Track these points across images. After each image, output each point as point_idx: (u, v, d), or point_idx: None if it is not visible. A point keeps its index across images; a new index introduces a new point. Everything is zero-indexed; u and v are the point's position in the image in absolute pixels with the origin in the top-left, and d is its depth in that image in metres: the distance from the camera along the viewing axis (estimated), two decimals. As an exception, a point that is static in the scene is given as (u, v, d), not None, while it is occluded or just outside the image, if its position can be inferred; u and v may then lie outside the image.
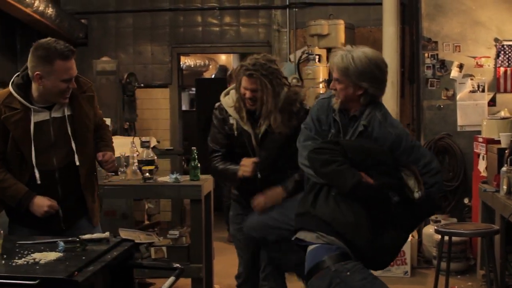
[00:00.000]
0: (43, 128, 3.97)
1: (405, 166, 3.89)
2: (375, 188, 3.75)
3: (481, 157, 7.20)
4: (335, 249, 3.69)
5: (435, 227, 6.04)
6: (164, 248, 6.04)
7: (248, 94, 4.48)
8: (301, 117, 4.44)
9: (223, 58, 15.46)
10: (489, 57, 8.12)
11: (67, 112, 4.03)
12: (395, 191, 3.81)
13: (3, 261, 3.09)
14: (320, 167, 3.81)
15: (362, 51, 3.95)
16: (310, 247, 3.78)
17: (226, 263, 7.16)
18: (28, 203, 3.95)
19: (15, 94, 3.92)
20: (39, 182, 3.97)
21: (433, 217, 7.70)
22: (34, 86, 3.92)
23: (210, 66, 14.74)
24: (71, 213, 4.13)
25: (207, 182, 6.00)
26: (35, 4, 7.95)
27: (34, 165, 3.95)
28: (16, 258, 3.12)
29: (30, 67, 3.88)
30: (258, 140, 4.56)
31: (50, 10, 8.36)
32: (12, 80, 4.00)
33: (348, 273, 3.61)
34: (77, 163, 4.06)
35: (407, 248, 7.20)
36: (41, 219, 3.97)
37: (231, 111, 4.62)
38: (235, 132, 4.57)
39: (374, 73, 3.92)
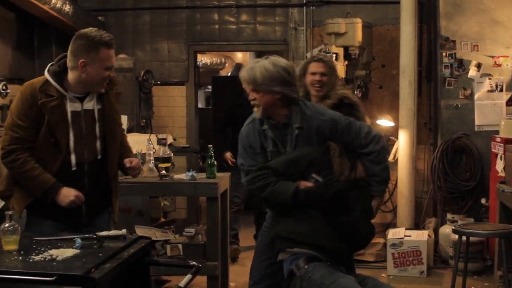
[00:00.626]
0: (76, 119, 4.02)
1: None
2: (314, 189, 3.96)
3: (499, 157, 7.15)
4: (301, 257, 3.90)
5: (453, 227, 6.01)
6: (180, 246, 6.04)
7: (317, 77, 4.97)
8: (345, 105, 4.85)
9: (239, 56, 15.46)
10: (507, 56, 8.05)
11: (97, 106, 4.10)
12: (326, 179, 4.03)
13: (21, 257, 3.10)
14: (260, 193, 4.07)
15: (268, 60, 4.25)
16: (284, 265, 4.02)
17: (241, 261, 7.17)
18: (56, 193, 3.96)
19: (52, 81, 3.97)
20: (74, 168, 4.01)
21: (449, 217, 7.68)
22: (71, 75, 3.98)
23: (227, 64, 14.75)
24: (94, 208, 4.15)
25: (223, 180, 5.99)
26: (53, 1, 7.97)
27: (72, 150, 3.99)
28: (33, 254, 3.12)
29: (73, 55, 3.94)
30: None
31: (67, 7, 8.38)
32: (47, 68, 4.04)
33: (310, 274, 3.81)
34: (107, 156, 4.14)
35: (423, 247, 7.18)
36: (63, 212, 3.98)
37: None
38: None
39: (283, 76, 4.19)
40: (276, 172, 4.05)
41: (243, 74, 4.26)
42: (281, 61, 4.29)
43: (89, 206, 4.10)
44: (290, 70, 4.26)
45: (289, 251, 3.97)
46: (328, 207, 3.96)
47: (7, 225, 3.23)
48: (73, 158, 4.01)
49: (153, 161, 5.87)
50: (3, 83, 7.00)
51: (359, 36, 8.15)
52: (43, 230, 3.94)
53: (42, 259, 3.05)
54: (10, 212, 3.28)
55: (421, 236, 7.36)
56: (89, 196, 4.07)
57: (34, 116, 3.92)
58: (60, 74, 4.00)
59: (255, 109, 4.30)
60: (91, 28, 4.00)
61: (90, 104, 4.08)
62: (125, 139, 4.51)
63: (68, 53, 3.97)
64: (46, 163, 3.98)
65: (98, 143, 4.11)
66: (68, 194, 3.97)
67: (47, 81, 3.98)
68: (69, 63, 3.97)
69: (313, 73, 5.01)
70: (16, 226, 3.23)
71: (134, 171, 4.31)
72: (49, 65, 4.06)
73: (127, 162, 4.26)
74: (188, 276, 3.33)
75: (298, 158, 4.11)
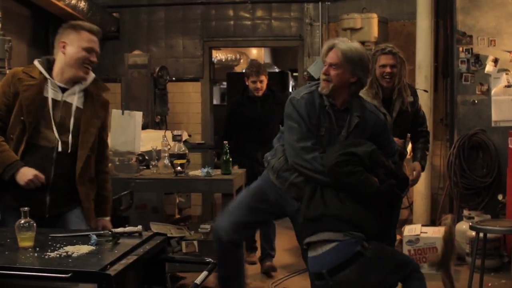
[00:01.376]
0: (54, 106, 4.03)
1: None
2: (382, 190, 4.15)
3: (516, 153, 7.10)
4: (358, 240, 4.03)
5: (470, 224, 5.97)
6: (195, 242, 6.05)
7: (388, 69, 5.18)
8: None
9: (254, 53, 15.44)
10: (524, 51, 7.99)
11: (77, 103, 4.10)
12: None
13: (36, 254, 3.09)
14: (346, 178, 4.11)
15: (357, 44, 4.39)
16: (330, 246, 4.04)
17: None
18: (16, 170, 3.91)
19: (38, 65, 4.07)
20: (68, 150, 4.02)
21: (466, 214, 7.63)
22: (57, 60, 4.07)
23: (241, 61, 14.74)
24: (59, 202, 4.08)
25: (238, 176, 5.98)
26: (68, -2, 7.99)
27: (44, 135, 3.98)
28: (49, 251, 3.12)
29: (56, 39, 4.08)
30: (392, 119, 5.24)
31: (82, 4, 8.39)
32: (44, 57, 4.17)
33: (379, 252, 4.06)
34: (77, 154, 4.08)
35: (439, 244, 7.12)
36: (26, 198, 3.85)
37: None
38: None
39: (368, 65, 4.31)
40: (362, 162, 4.14)
41: (343, 46, 4.24)
42: (364, 49, 4.43)
43: (54, 198, 4.04)
44: (369, 61, 4.40)
45: (351, 233, 4.03)
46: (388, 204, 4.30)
47: (22, 221, 3.22)
48: (42, 141, 4.00)
49: (168, 157, 5.87)
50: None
51: (375, 31, 8.13)
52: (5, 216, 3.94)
53: (58, 255, 3.05)
54: (26, 208, 3.26)
55: (438, 232, 7.30)
56: (55, 187, 4.03)
57: (9, 95, 3.98)
58: (50, 63, 4.10)
59: (322, 84, 4.28)
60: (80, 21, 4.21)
61: (71, 99, 4.09)
62: (106, 159, 4.44)
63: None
64: (15, 144, 3.98)
65: (70, 137, 4.06)
66: (27, 173, 3.90)
67: (33, 64, 4.09)
68: (55, 47, 4.10)
69: (383, 66, 5.21)
70: (31, 222, 3.23)
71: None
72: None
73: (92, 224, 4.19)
74: (204, 273, 3.31)
75: (375, 153, 4.22)
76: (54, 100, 4.03)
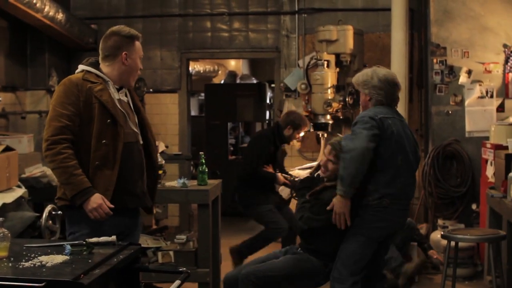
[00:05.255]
0: (119, 104, 4.18)
1: None
2: None
3: (489, 163, 7.19)
4: None
5: (442, 233, 6.04)
6: (171, 253, 6.07)
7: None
8: None
9: (232, 64, 15.48)
10: (497, 63, 8.11)
11: (128, 99, 4.29)
12: None
13: (10, 264, 3.12)
14: None
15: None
16: None
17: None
18: (89, 196, 3.96)
19: (92, 69, 4.17)
20: (141, 142, 4.24)
21: (441, 223, 7.71)
22: (107, 68, 4.20)
23: (219, 72, 14.77)
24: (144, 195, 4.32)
25: (214, 187, 6.03)
26: (46, 9, 8.00)
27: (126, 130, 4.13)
28: (23, 260, 3.14)
29: (114, 49, 4.19)
30: None
31: (60, 15, 8.41)
32: (81, 64, 4.23)
33: None
34: (147, 141, 4.33)
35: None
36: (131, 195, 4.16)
37: None
38: None
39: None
40: None
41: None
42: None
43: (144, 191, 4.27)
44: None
45: None
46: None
47: (-4, 232, 3.24)
48: (129, 138, 4.15)
49: (145, 168, 5.89)
50: (-5, 91, 7.05)
51: (350, 43, 8.22)
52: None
53: (32, 265, 3.07)
54: (1, 219, 3.29)
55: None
56: (142, 179, 4.24)
57: (79, 105, 4.02)
58: (96, 67, 4.19)
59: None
60: (119, 26, 4.31)
61: (123, 96, 4.25)
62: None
63: (104, 50, 4.22)
64: (113, 147, 4.05)
65: (136, 129, 4.25)
66: (94, 201, 3.96)
67: (87, 71, 4.16)
68: (106, 59, 4.20)
69: None
70: (6, 232, 3.24)
71: None
72: (80, 64, 4.24)
73: None
74: (177, 282, 3.35)
75: None
76: (117, 99, 4.17)
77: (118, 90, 4.21)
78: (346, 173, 4.62)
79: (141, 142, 4.26)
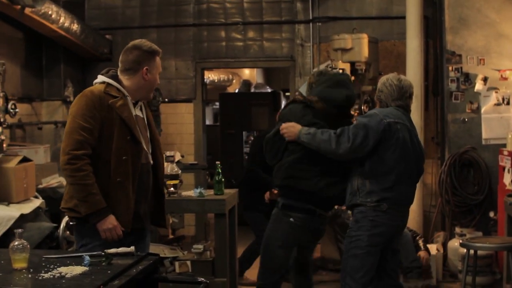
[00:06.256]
0: (136, 120, 4.17)
1: None
2: None
3: (506, 170, 7.16)
4: None
5: (460, 241, 6.01)
6: (188, 262, 6.07)
7: None
8: None
9: (246, 73, 15.50)
10: (513, 69, 8.08)
11: (143, 115, 4.27)
12: None
13: (30, 275, 3.11)
14: None
15: None
16: None
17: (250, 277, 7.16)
18: (105, 216, 3.98)
19: (114, 83, 4.13)
20: (152, 163, 4.22)
21: (458, 231, 7.67)
22: (127, 82, 4.16)
23: (234, 81, 14.79)
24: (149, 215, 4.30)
25: (230, 196, 6.02)
26: (61, 21, 8.04)
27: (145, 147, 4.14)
28: (43, 272, 3.13)
29: (135, 63, 4.16)
30: None
31: (75, 26, 8.45)
32: (101, 75, 4.20)
33: None
34: (156, 162, 4.29)
35: (432, 261, 7.17)
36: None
37: None
38: None
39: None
40: None
41: None
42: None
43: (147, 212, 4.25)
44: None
45: None
46: None
47: (16, 243, 3.23)
48: (146, 155, 4.17)
49: (161, 178, 5.89)
50: (12, 102, 7.06)
51: (365, 51, 8.19)
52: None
53: (51, 276, 3.07)
54: (20, 230, 3.29)
55: (430, 250, 7.35)
56: (146, 201, 4.21)
57: (100, 118, 4.00)
58: (116, 80, 4.16)
59: None
60: (140, 40, 4.26)
61: (138, 111, 4.22)
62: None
63: (125, 63, 4.18)
64: (132, 163, 4.05)
65: (150, 147, 4.24)
66: (110, 222, 3.99)
67: (108, 84, 4.12)
68: (126, 72, 4.18)
69: None
70: (25, 244, 3.25)
71: None
72: (99, 76, 4.21)
73: None
74: (196, 292, 3.34)
75: None
76: (135, 116, 4.16)
77: (135, 105, 4.19)
78: (316, 142, 4.75)
79: (152, 162, 4.23)
